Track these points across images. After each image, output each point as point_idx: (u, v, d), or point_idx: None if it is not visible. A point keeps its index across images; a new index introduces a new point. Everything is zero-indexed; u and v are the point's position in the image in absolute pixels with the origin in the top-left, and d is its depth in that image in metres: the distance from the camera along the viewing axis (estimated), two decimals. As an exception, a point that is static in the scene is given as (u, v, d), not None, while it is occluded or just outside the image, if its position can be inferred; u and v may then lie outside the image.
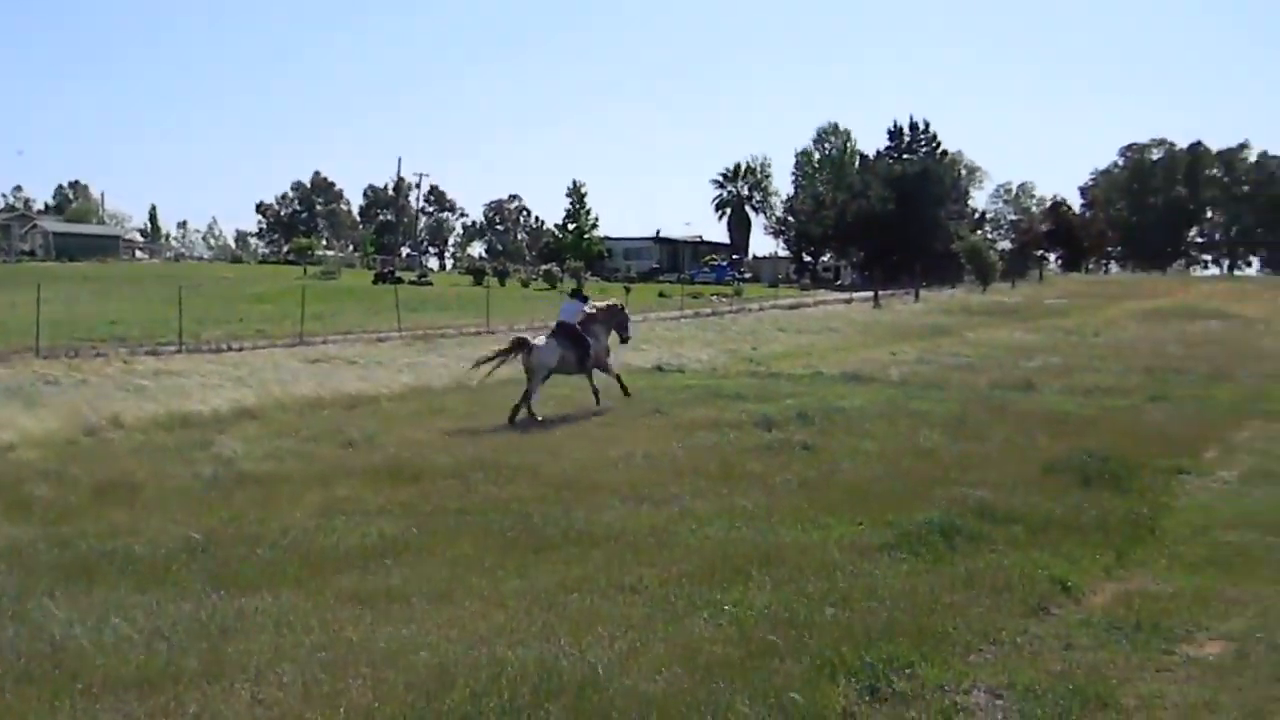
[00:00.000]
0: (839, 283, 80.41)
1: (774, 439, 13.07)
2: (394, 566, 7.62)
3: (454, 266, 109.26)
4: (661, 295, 53.43)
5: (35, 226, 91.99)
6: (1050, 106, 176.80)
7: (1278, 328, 38.05)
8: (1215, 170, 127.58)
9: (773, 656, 5.77)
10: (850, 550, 8.06)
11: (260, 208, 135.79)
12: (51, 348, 22.63)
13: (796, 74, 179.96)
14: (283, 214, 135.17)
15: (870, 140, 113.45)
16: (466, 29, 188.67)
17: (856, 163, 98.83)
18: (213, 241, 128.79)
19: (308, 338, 26.98)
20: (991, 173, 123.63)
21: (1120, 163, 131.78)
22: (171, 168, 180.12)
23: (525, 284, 63.38)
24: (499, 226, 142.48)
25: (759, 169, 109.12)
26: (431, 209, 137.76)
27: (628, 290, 47.90)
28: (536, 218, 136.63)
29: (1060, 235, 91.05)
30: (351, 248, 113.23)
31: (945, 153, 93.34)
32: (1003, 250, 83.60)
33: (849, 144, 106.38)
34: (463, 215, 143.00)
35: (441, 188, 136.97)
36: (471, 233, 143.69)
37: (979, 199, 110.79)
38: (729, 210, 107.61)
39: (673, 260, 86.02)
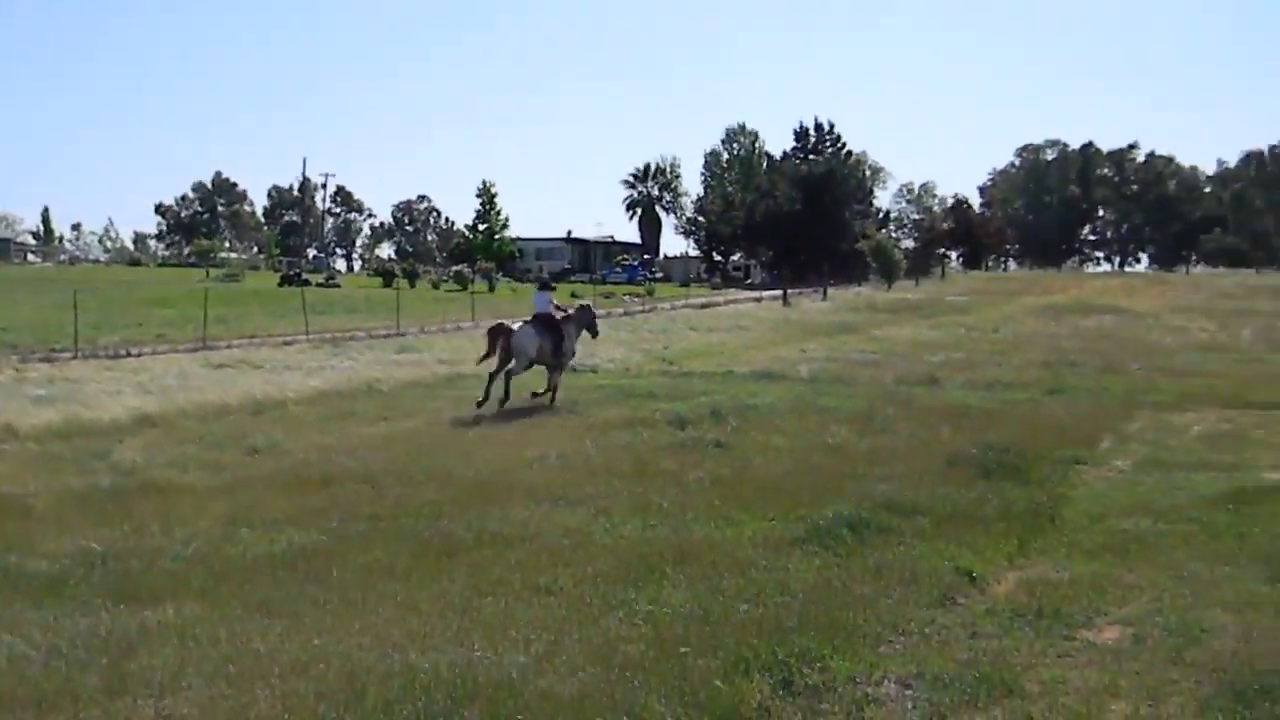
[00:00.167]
0: (749, 282, 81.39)
1: (687, 437, 13.19)
2: (304, 575, 7.45)
3: (363, 268, 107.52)
4: (574, 296, 53.14)
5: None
6: (950, 108, 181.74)
7: (1166, 322, 39.59)
8: (1106, 170, 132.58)
9: (687, 654, 5.81)
10: (763, 546, 8.17)
11: (160, 209, 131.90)
12: (-64, 356, 21.64)
13: (706, 74, 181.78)
14: (183, 215, 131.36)
15: (778, 141, 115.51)
16: (372, 27, 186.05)
17: (765, 163, 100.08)
18: (109, 244, 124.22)
19: (211, 342, 26.20)
20: (895, 173, 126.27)
21: (1017, 163, 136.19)
22: (65, 168, 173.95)
23: (436, 285, 62.50)
24: (408, 227, 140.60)
25: (669, 169, 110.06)
26: (338, 210, 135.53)
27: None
28: (447, 218, 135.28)
29: (961, 234, 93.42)
30: (256, 249, 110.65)
31: (850, 153, 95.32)
32: (907, 249, 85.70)
33: (757, 144, 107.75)
34: (371, 216, 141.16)
35: (348, 188, 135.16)
36: (380, 234, 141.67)
37: (883, 199, 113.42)
38: (640, 210, 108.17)
39: (585, 261, 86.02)
